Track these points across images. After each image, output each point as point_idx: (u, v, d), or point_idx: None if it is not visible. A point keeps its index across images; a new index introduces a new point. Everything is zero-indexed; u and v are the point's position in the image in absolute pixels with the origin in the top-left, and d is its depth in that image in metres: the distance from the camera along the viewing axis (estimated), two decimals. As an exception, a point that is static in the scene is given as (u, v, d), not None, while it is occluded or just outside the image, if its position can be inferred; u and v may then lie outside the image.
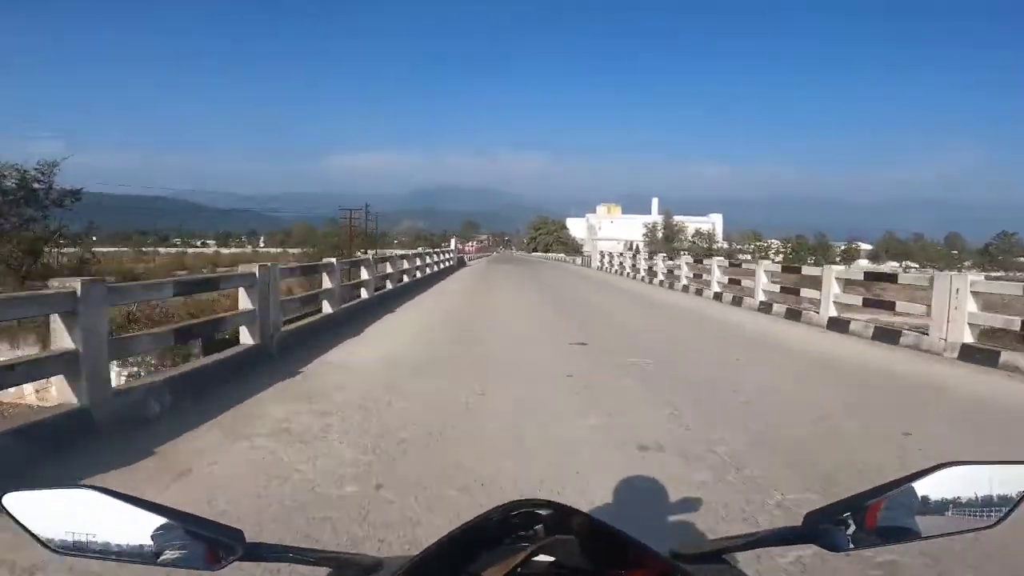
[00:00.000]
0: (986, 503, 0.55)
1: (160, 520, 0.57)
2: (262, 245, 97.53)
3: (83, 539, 0.56)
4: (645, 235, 58.50)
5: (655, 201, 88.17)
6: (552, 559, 0.58)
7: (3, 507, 0.57)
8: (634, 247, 39.93)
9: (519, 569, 0.55)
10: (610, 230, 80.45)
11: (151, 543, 0.57)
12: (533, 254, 75.55)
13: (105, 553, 0.57)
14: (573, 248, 78.58)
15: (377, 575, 0.63)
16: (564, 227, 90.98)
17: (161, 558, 0.57)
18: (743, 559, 0.73)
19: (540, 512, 0.62)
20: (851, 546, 0.58)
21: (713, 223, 75.61)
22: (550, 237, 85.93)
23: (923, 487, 0.56)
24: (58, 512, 0.56)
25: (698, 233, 56.78)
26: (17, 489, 0.57)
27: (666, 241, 52.22)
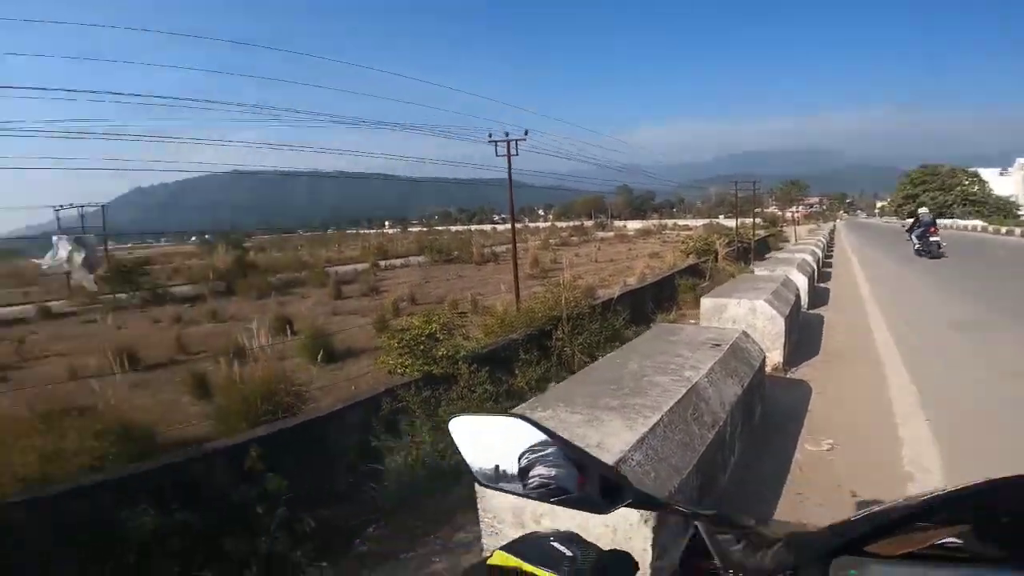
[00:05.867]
0: None
1: (564, 460, 0.68)
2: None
3: (501, 469, 0.71)
4: None
5: None
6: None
7: (449, 429, 0.75)
8: None
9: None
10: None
11: (557, 480, 0.68)
12: (908, 221, 53.46)
13: (515, 489, 0.70)
14: (998, 209, 53.34)
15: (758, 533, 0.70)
16: (976, 178, 62.73)
17: (562, 497, 0.68)
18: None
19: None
20: None
21: None
22: (948, 195, 60.67)
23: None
24: (488, 439, 0.72)
25: None
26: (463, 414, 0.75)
27: None
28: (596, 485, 0.68)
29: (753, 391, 3.53)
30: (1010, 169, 65.13)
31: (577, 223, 60.31)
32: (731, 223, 27.28)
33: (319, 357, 6.76)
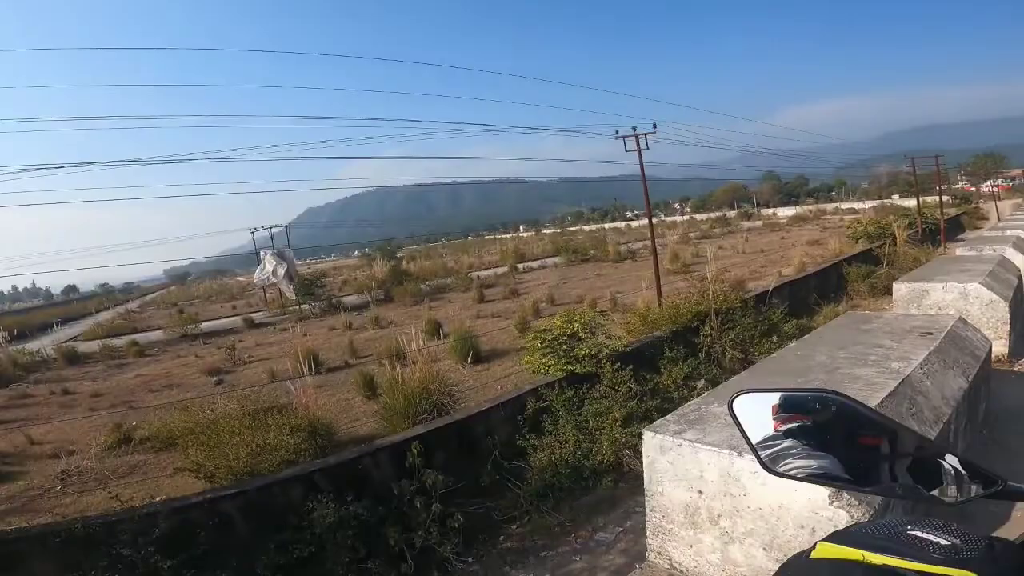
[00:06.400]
0: None
1: (884, 444, 0.59)
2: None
3: (792, 455, 0.63)
4: None
5: None
6: None
7: (731, 409, 0.69)
8: None
9: None
10: None
11: (868, 465, 0.60)
12: None
13: (813, 476, 0.62)
14: None
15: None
16: None
17: (877, 486, 0.62)
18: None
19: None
20: None
21: None
22: None
23: None
24: (770, 418, 0.64)
25: None
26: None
27: None
28: (930, 473, 0.59)
29: (978, 385, 3.09)
30: None
31: (719, 214, 56.17)
32: (909, 203, 23.41)
33: (468, 358, 7.20)
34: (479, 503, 3.85)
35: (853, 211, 37.41)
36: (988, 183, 57.00)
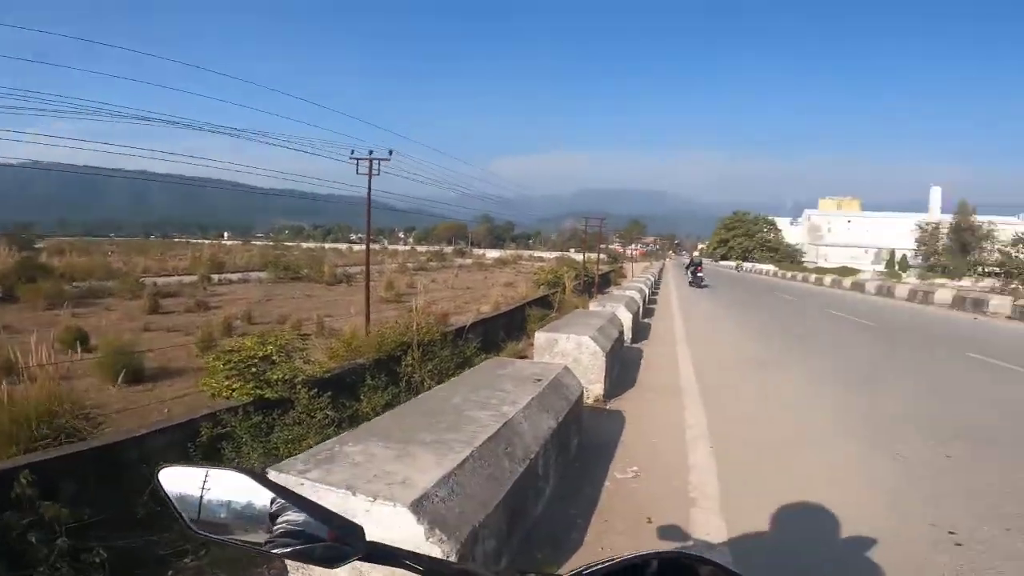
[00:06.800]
0: None
1: (293, 513, 0.64)
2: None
3: (218, 519, 0.66)
4: (920, 240, 43.91)
5: (935, 192, 63.34)
6: None
7: (157, 480, 0.69)
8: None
9: None
10: (845, 233, 64.04)
11: (279, 534, 0.63)
12: (721, 263, 63.71)
13: (234, 539, 0.66)
14: (787, 255, 65.26)
15: None
16: (773, 227, 75.96)
17: (285, 550, 0.64)
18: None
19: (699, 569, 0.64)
20: None
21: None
22: (750, 241, 72.85)
23: None
24: (202, 490, 0.66)
25: (1022, 240, 37.31)
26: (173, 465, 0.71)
27: (961, 250, 38.02)
28: (324, 538, 0.64)
29: (568, 424, 3.73)
30: (799, 220, 79.24)
31: (437, 248, 60.52)
32: (580, 257, 29.52)
33: (120, 377, 5.89)
34: (136, 536, 3.20)
35: (541, 259, 44.85)
36: (632, 246, 76.13)
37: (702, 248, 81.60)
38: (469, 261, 45.34)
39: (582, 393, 4.29)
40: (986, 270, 34.88)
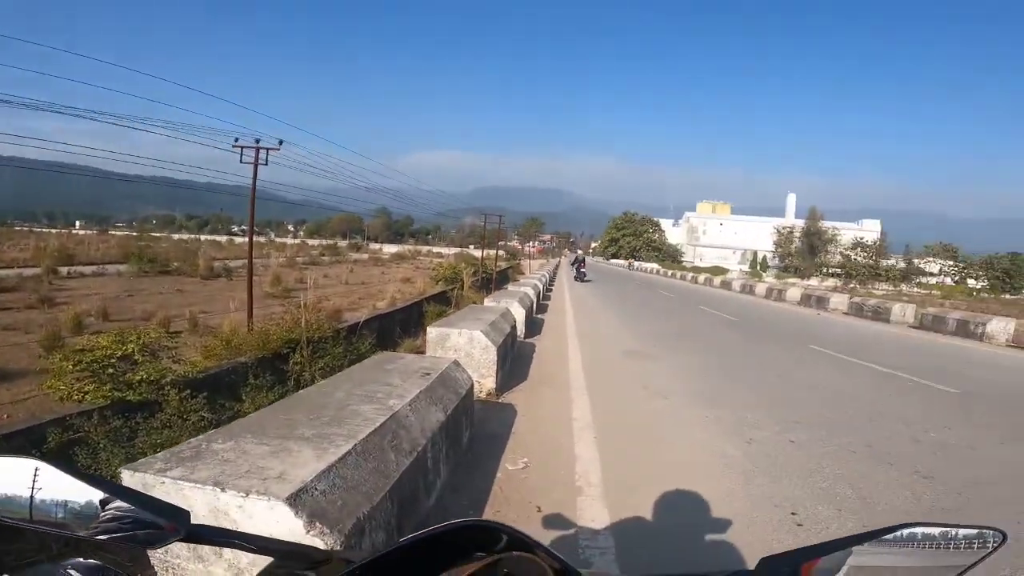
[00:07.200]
0: (941, 564, 0.57)
1: (103, 495, 0.64)
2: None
3: (22, 507, 0.64)
4: (777, 242, 49.61)
5: (791, 199, 71.64)
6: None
7: None
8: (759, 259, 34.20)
9: None
10: (718, 235, 70.54)
11: (92, 517, 0.64)
12: (612, 262, 67.72)
13: (43, 522, 0.64)
14: (669, 255, 70.66)
15: (325, 567, 0.71)
16: (658, 227, 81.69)
17: (100, 532, 0.63)
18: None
19: (498, 533, 0.66)
20: None
21: (877, 233, 54.18)
22: (638, 240, 77.85)
23: (884, 544, 0.59)
24: (4, 479, 0.64)
25: (859, 244, 43.25)
26: None
27: (810, 252, 43.53)
28: (145, 520, 0.66)
29: (459, 417, 3.79)
30: (680, 221, 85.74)
31: (331, 242, 57.77)
32: (479, 253, 29.75)
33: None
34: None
35: (440, 255, 44.55)
36: (530, 243, 77.91)
37: (594, 247, 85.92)
38: (365, 256, 43.79)
39: (472, 386, 4.35)
40: (830, 271, 40.60)
